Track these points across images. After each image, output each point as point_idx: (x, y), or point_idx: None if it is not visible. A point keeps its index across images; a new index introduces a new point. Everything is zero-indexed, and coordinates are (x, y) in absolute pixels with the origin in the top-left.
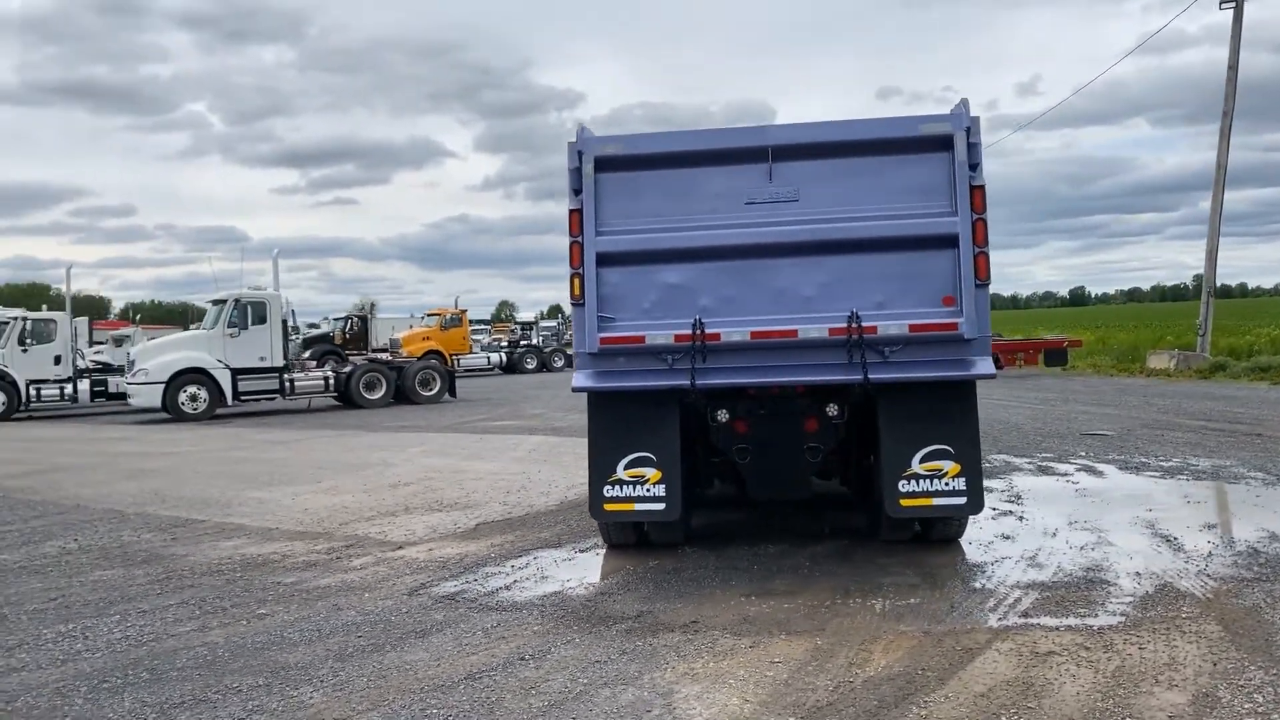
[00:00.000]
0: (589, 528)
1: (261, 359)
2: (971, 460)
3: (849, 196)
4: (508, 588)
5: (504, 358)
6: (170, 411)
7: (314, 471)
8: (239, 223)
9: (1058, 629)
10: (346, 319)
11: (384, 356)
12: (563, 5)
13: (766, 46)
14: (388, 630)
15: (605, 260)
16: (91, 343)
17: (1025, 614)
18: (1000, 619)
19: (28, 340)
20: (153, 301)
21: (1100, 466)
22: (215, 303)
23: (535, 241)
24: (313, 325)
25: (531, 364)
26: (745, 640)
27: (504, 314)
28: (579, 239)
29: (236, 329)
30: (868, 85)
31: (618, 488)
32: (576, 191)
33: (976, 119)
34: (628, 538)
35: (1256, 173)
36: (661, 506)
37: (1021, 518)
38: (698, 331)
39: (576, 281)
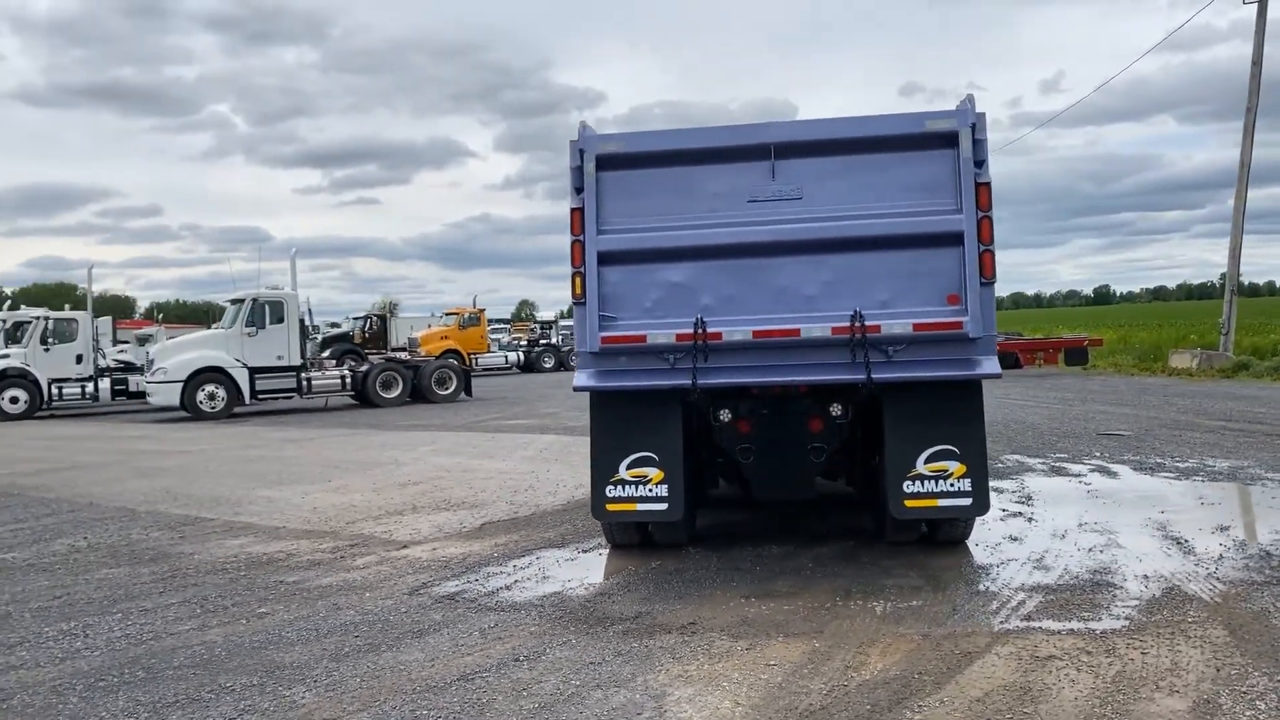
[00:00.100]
0: (593, 528)
1: (279, 358)
2: (977, 461)
3: (852, 194)
4: (508, 588)
5: (521, 357)
6: (189, 410)
7: (325, 470)
8: (263, 223)
9: (1060, 633)
10: (366, 318)
11: (403, 356)
12: (582, 5)
13: (787, 43)
14: (385, 630)
15: (607, 259)
16: (115, 342)
17: (1028, 617)
18: (1002, 622)
19: (50, 339)
20: (177, 301)
21: (1114, 467)
22: (233, 302)
23: (556, 241)
24: (334, 325)
25: (549, 363)
26: (742, 642)
27: (524, 313)
28: (580, 238)
29: (254, 328)
30: (890, 82)
31: (620, 488)
32: (578, 190)
33: (982, 115)
34: (631, 538)
35: None
36: (664, 507)
37: (1031, 519)
38: (699, 331)
39: (578, 280)
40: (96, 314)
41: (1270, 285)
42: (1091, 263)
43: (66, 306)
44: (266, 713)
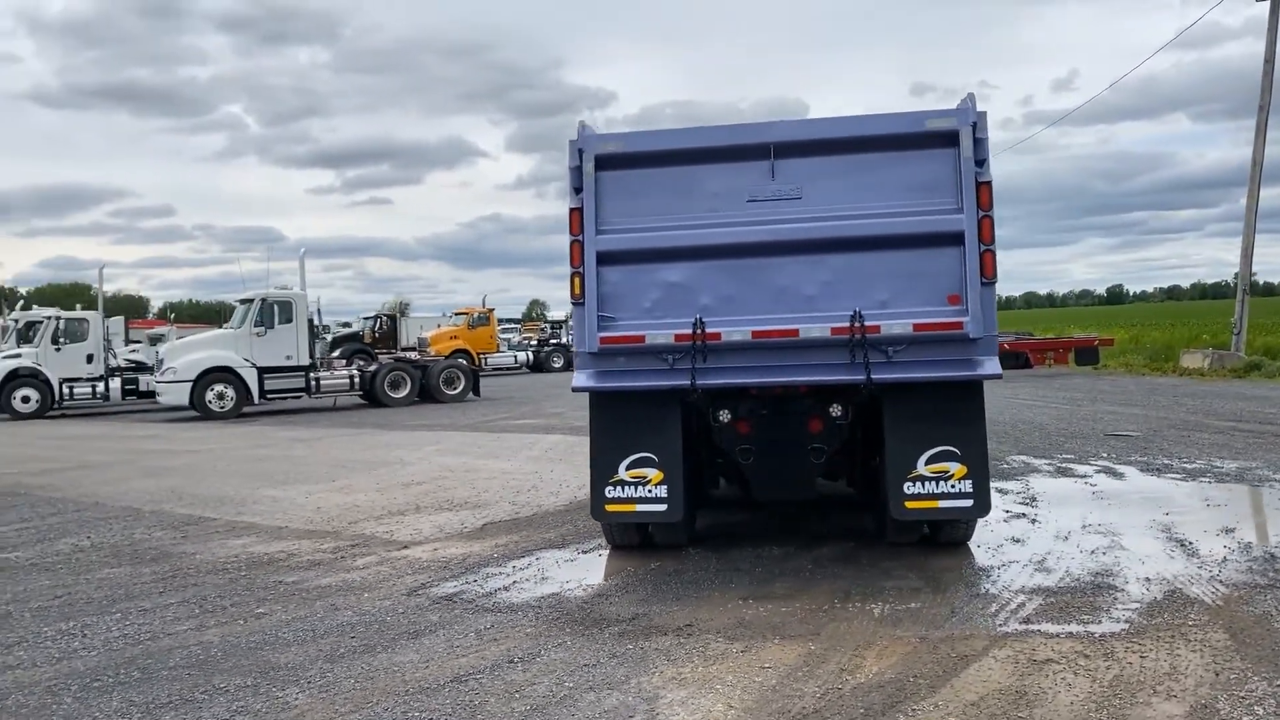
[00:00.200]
0: (594, 528)
1: (288, 358)
2: (978, 461)
3: (852, 194)
4: (506, 589)
5: (531, 356)
6: (198, 409)
7: (330, 470)
8: (275, 223)
9: (1058, 636)
10: (375, 318)
11: (412, 355)
12: (593, 4)
13: (799, 43)
14: (381, 631)
15: (605, 259)
16: (127, 341)
17: (1027, 620)
18: (1000, 625)
19: (61, 339)
20: (190, 301)
21: (1121, 468)
22: (242, 302)
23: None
24: (345, 324)
25: (558, 363)
26: (738, 644)
27: (535, 313)
28: (579, 237)
29: (263, 328)
30: (901, 81)
31: (619, 488)
32: (577, 190)
33: (983, 114)
34: (631, 539)
35: None
36: (663, 508)
37: (1034, 520)
38: (698, 331)
39: (577, 280)
40: (109, 314)
41: None
42: (1104, 262)
43: (78, 306)
44: (259, 714)
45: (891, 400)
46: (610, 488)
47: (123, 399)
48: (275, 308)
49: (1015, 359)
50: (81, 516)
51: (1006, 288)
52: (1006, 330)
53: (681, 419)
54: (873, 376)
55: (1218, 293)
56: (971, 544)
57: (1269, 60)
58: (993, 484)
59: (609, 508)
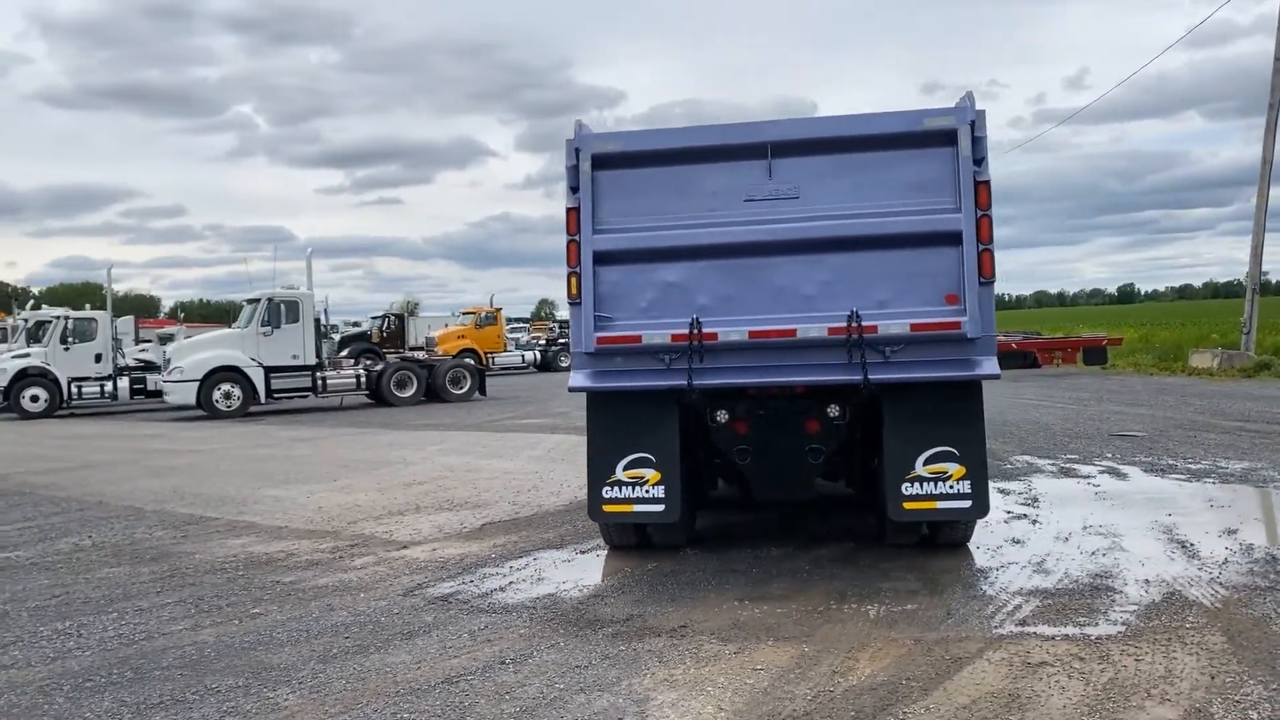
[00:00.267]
0: (593, 529)
1: (294, 357)
2: (977, 462)
3: (850, 193)
4: (502, 589)
5: (538, 356)
6: (205, 409)
7: (333, 469)
8: (285, 223)
9: (1053, 638)
10: (383, 317)
11: (420, 355)
12: (603, 4)
13: (808, 42)
14: (376, 632)
15: (602, 259)
16: (137, 341)
17: (1023, 622)
18: (996, 627)
19: (69, 339)
20: (201, 300)
21: (1125, 469)
22: (249, 302)
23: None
24: (354, 324)
25: (566, 362)
26: (731, 646)
27: (544, 312)
28: (576, 237)
29: (269, 328)
30: (911, 79)
31: (616, 489)
32: (574, 189)
33: (982, 113)
34: (629, 539)
35: None
36: (660, 508)
37: (1035, 521)
38: (695, 331)
39: (574, 280)
40: (121, 313)
41: None
42: (1116, 261)
43: (87, 306)
44: (249, 714)
45: (889, 400)
46: (608, 488)
47: (131, 398)
48: (282, 307)
49: (1023, 358)
50: (84, 516)
51: (1016, 287)
52: (1014, 330)
53: (679, 419)
54: (870, 377)
55: (1230, 292)
56: (971, 545)
57: (1279, 58)
58: (995, 485)
59: (606, 508)
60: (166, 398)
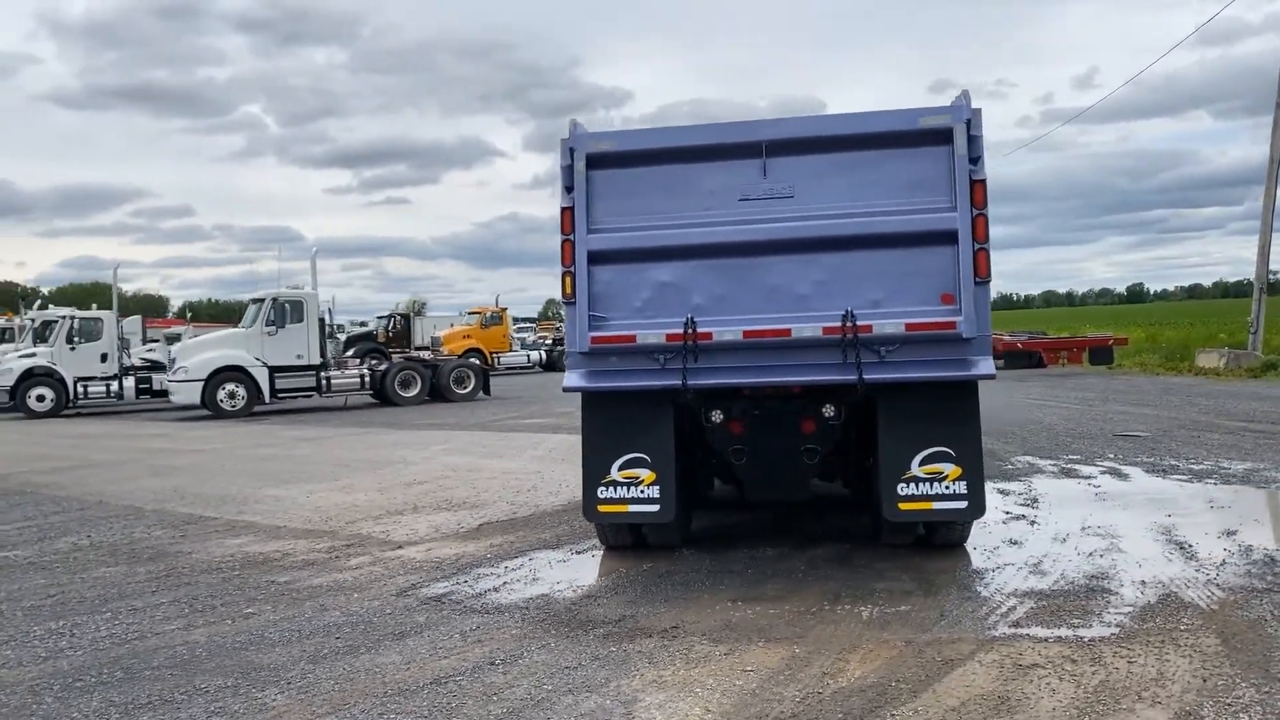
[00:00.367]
0: (590, 529)
1: (298, 357)
2: (973, 462)
3: (845, 192)
4: (496, 590)
5: (544, 355)
6: (210, 408)
7: (334, 469)
8: (293, 222)
9: (1046, 640)
10: (389, 317)
11: (425, 355)
12: (610, 4)
13: (817, 40)
14: (367, 632)
15: (597, 258)
16: (145, 340)
17: (1016, 624)
18: (989, 629)
19: (75, 338)
20: (210, 300)
21: (1126, 469)
22: (254, 301)
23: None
24: (362, 324)
25: None
26: (722, 647)
27: (551, 312)
28: (571, 236)
29: (274, 327)
30: (920, 78)
31: (611, 489)
32: (569, 189)
33: (978, 111)
34: (624, 539)
35: None
36: (655, 508)
37: (1034, 522)
38: (689, 331)
39: (568, 280)
40: (129, 313)
41: None
42: (1124, 260)
43: (93, 306)
44: (236, 715)
45: (885, 400)
46: (602, 488)
47: (136, 398)
48: (286, 307)
49: (1028, 358)
50: (84, 515)
51: (1025, 286)
52: (1019, 329)
53: (674, 419)
54: (865, 376)
55: (1239, 291)
56: (968, 546)
57: None
58: (995, 485)
59: (601, 508)
60: (171, 397)
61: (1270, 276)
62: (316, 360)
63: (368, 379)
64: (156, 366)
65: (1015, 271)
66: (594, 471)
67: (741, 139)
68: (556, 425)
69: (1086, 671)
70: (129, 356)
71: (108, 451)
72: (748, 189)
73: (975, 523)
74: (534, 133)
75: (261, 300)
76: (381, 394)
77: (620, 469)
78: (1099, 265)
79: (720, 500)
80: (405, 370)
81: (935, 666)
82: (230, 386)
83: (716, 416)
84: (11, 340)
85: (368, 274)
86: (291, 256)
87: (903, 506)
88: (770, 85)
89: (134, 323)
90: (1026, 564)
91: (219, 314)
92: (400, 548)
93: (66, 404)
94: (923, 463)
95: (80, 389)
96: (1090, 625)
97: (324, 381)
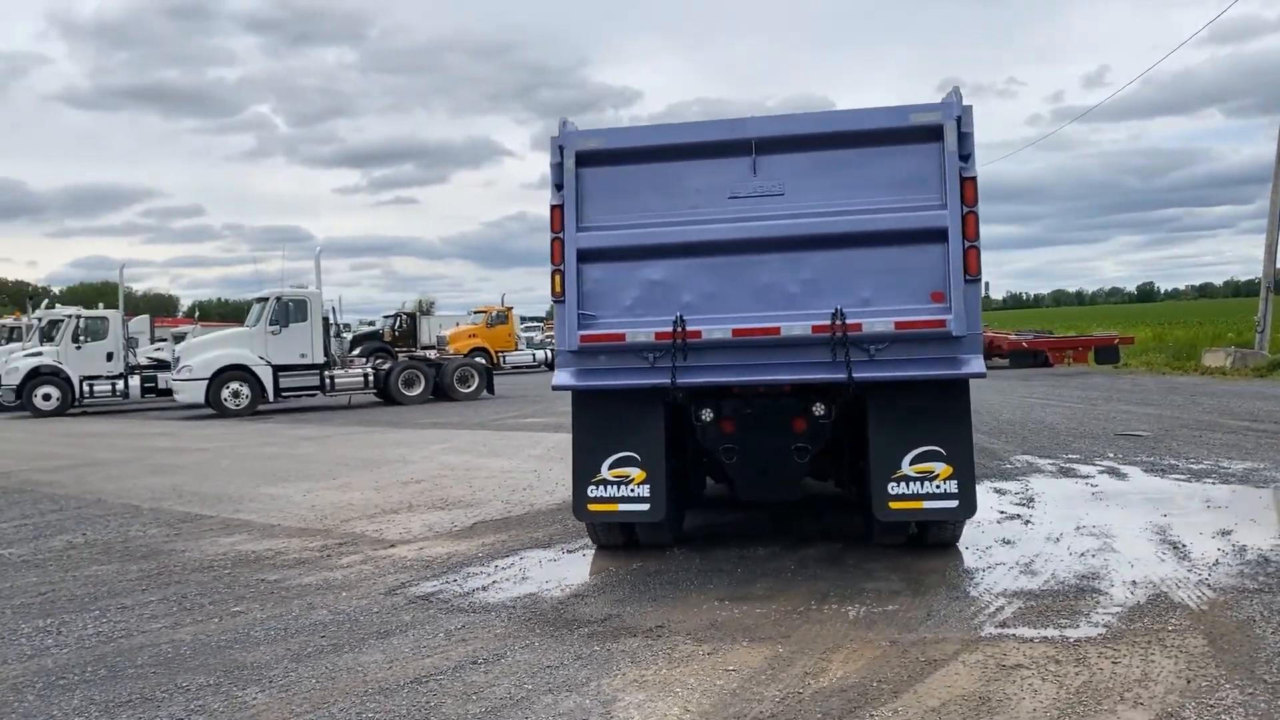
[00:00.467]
0: (582, 528)
1: (302, 356)
2: (964, 462)
3: (835, 190)
4: (484, 589)
5: (550, 354)
6: (214, 407)
7: (333, 468)
8: (303, 222)
9: (1032, 640)
10: (396, 316)
11: (432, 354)
12: (619, 3)
13: (826, 39)
14: (352, 631)
15: (586, 257)
16: (153, 340)
17: (1003, 624)
18: (975, 629)
19: (81, 337)
20: (220, 300)
21: (1125, 469)
22: (258, 301)
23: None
24: (370, 323)
25: None
26: (705, 647)
27: None
28: (560, 235)
29: (278, 326)
30: (929, 77)
31: (601, 488)
32: (558, 187)
33: (968, 108)
34: (616, 538)
35: None
36: (646, 507)
37: (1028, 522)
38: (679, 329)
39: (557, 278)
40: (139, 313)
41: None
42: (1135, 259)
43: (100, 305)
44: (215, 713)
45: (875, 399)
46: (593, 487)
47: (142, 397)
48: (290, 306)
49: (1034, 357)
50: (81, 513)
51: (1034, 285)
52: (1025, 328)
53: (664, 418)
54: (854, 375)
55: (1250, 290)
56: (961, 545)
57: None
58: (991, 484)
59: (591, 507)
60: (176, 396)
61: (1278, 275)
62: (320, 359)
63: (371, 378)
64: (162, 365)
65: (1025, 270)
66: (584, 470)
67: (731, 136)
68: (557, 424)
69: (1070, 672)
70: (134, 356)
71: (110, 450)
72: (737, 187)
73: (969, 522)
74: (542, 132)
75: (265, 299)
76: (385, 393)
77: (610, 468)
78: (1109, 264)
79: (714, 499)
80: (409, 369)
81: (918, 667)
82: (234, 385)
83: (707, 415)
84: (20, 339)
85: (376, 273)
86: (300, 256)
87: (893, 506)
88: (780, 85)
89: (142, 322)
90: (1018, 564)
91: (229, 313)
92: (393, 546)
93: (72, 403)
94: (913, 462)
95: (86, 388)
96: (1077, 625)
97: (328, 380)
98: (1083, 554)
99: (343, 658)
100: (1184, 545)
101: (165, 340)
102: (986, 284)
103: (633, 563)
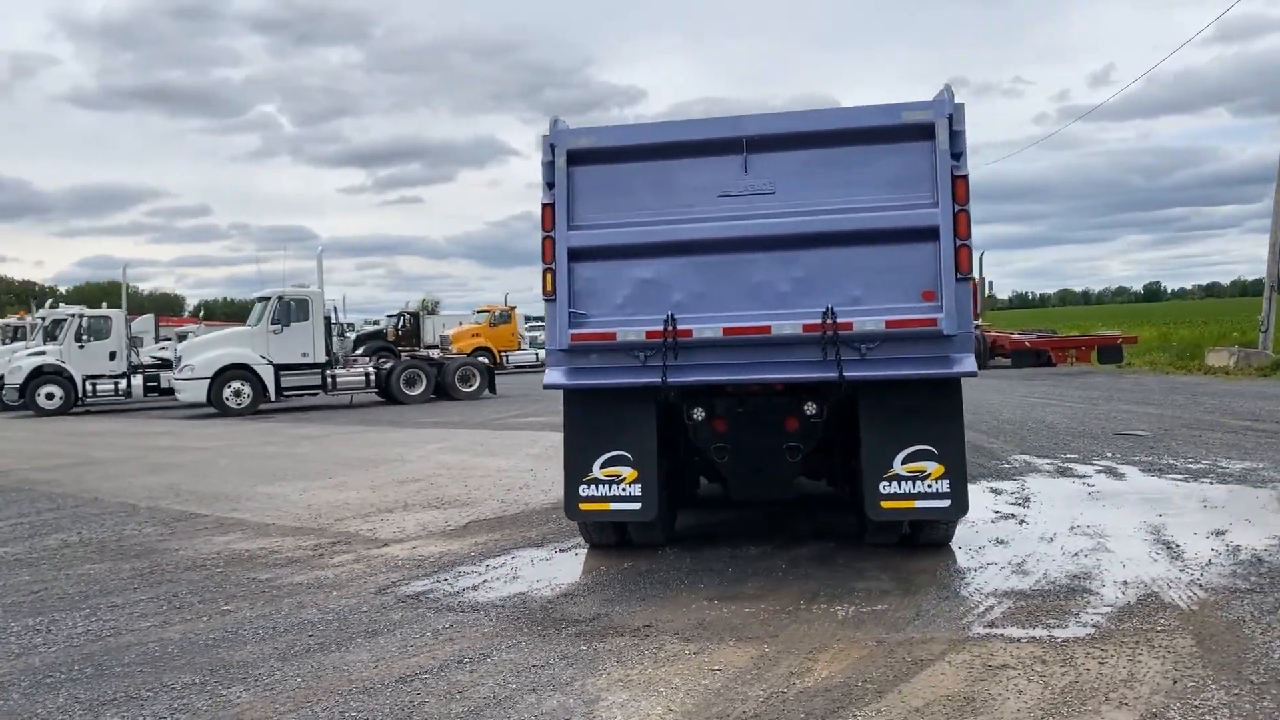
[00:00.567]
0: (576, 527)
1: (304, 355)
2: (956, 461)
3: (827, 188)
4: (475, 588)
5: None
6: (216, 406)
7: (330, 467)
8: (308, 222)
9: (1019, 640)
10: (399, 316)
11: (434, 353)
12: (624, 3)
13: (831, 38)
14: (340, 630)
15: (577, 255)
16: (158, 339)
17: (992, 624)
18: (963, 629)
19: (84, 337)
20: (225, 299)
21: (1123, 468)
22: (260, 300)
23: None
24: (374, 322)
25: None
26: (692, 646)
27: None
28: (551, 233)
29: (279, 326)
30: (935, 77)
31: (593, 487)
32: (550, 185)
33: (960, 106)
34: (608, 538)
35: None
36: (637, 506)
37: (1022, 522)
38: (669, 328)
39: (549, 277)
40: (145, 312)
41: None
42: (1142, 259)
43: (104, 305)
44: (199, 712)
45: (866, 398)
46: (584, 486)
47: (145, 396)
48: (292, 305)
49: (1036, 357)
50: (78, 512)
51: (1041, 285)
52: (1028, 328)
53: (656, 417)
54: (845, 374)
55: (1257, 290)
56: (953, 545)
57: None
58: (987, 484)
59: (583, 506)
60: (178, 395)
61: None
62: (322, 358)
63: (373, 377)
64: (167, 365)
65: (1031, 270)
66: (575, 470)
67: (722, 135)
68: (557, 424)
69: (1056, 672)
70: (138, 355)
71: (110, 449)
72: (728, 185)
73: (964, 521)
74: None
75: (267, 299)
76: (387, 392)
77: (602, 467)
78: (1116, 264)
79: (707, 499)
80: (410, 369)
81: (904, 666)
82: (236, 384)
83: (698, 414)
84: (24, 339)
85: (381, 273)
86: (305, 256)
87: (885, 505)
88: (785, 84)
89: (147, 321)
90: (1010, 564)
91: (234, 313)
92: (385, 545)
93: (75, 402)
94: (905, 461)
95: (89, 387)
96: (1066, 626)
97: (329, 380)
98: (1076, 554)
99: (329, 657)
100: (1178, 545)
101: (170, 340)
102: (991, 284)
103: (624, 562)
